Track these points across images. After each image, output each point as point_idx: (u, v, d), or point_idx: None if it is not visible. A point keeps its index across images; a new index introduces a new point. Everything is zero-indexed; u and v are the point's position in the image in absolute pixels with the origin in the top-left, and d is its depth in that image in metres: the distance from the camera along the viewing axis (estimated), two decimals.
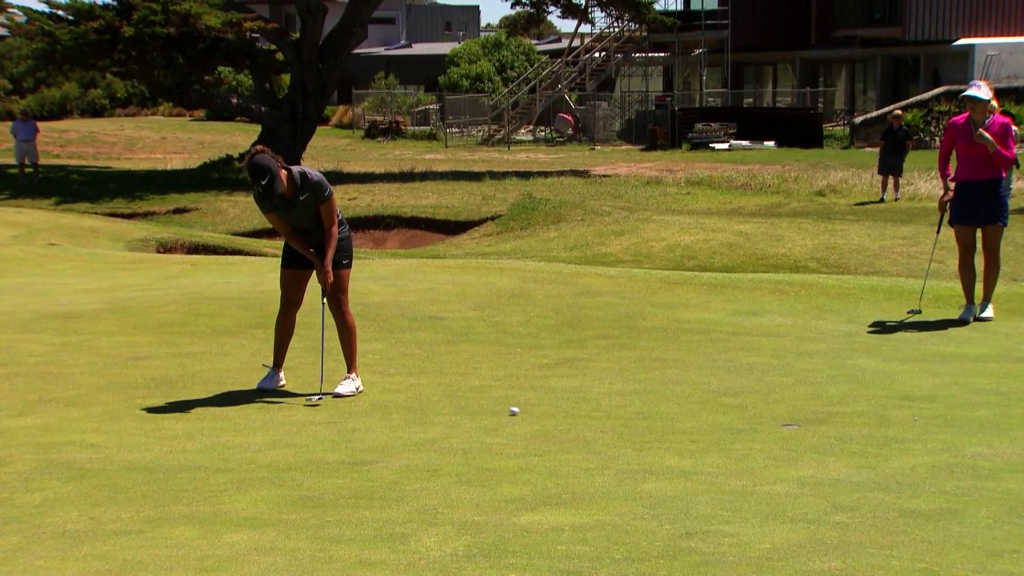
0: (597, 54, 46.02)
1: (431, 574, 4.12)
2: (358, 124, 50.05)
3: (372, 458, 5.75)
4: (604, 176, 30.68)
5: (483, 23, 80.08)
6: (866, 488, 5.08)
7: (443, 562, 4.22)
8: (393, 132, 47.30)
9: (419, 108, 50.52)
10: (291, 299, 7.38)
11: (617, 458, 5.67)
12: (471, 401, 7.07)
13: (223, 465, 5.61)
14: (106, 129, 49.90)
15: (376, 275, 12.05)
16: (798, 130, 38.64)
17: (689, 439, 6.06)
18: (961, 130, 9.81)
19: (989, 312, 9.77)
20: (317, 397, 7.09)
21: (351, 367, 7.30)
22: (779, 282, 11.54)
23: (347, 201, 25.22)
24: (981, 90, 9.71)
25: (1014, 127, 25.75)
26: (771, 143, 38.36)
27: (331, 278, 7.20)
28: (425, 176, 30.24)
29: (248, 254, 17.53)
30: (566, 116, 45.56)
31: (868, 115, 39.73)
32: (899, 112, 26.40)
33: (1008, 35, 42.57)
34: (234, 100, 35.63)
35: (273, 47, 34.34)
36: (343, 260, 7.29)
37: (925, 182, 25.50)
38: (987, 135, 9.59)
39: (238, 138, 43.83)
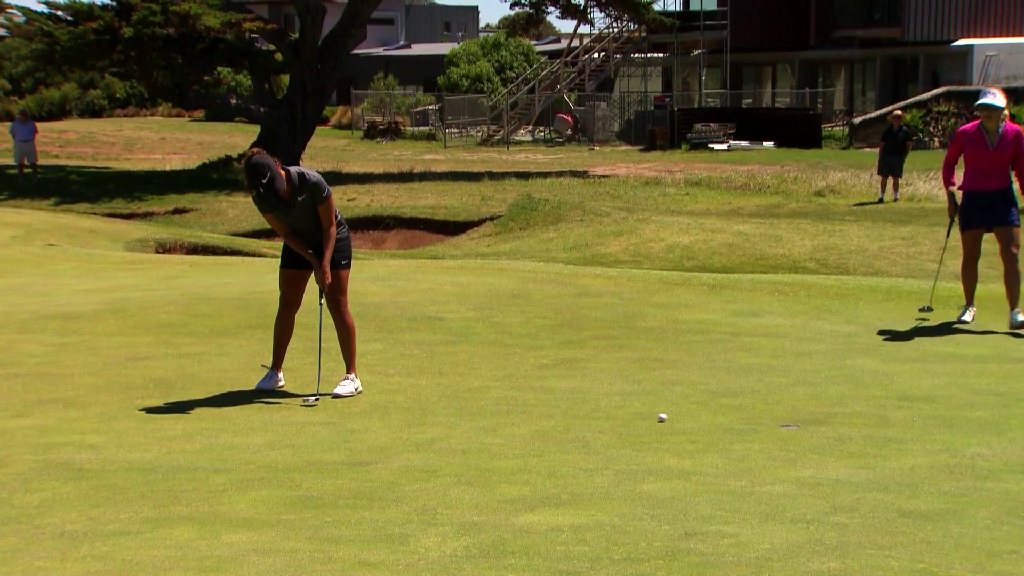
0: (596, 54, 46.03)
1: (430, 574, 4.12)
2: (357, 125, 50.05)
3: (371, 459, 5.75)
4: (603, 177, 30.68)
5: (482, 23, 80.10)
6: (865, 488, 5.09)
7: (442, 562, 4.22)
8: (392, 132, 47.30)
9: (418, 108, 50.53)
10: (290, 299, 7.39)
11: (616, 458, 5.68)
12: (470, 402, 7.07)
13: (222, 466, 5.61)
14: (105, 129, 49.90)
15: (375, 276, 12.04)
16: (797, 131, 38.65)
17: (688, 440, 6.06)
18: (971, 138, 9.69)
19: (1022, 316, 9.51)
20: (314, 398, 7.09)
21: (350, 368, 7.31)
22: (778, 283, 11.54)
23: (346, 202, 25.22)
24: (996, 98, 9.61)
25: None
26: (770, 143, 38.37)
27: (329, 278, 7.20)
28: (424, 176, 30.25)
29: (247, 255, 17.52)
30: (565, 116, 45.57)
31: (867, 116, 39.74)
32: (899, 113, 26.41)
33: (1007, 36, 42.59)
34: (233, 101, 35.63)
35: (272, 48, 34.34)
36: (342, 261, 7.29)
37: (924, 183, 25.51)
38: None
39: (237, 139, 43.82)
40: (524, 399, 7.10)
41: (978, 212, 9.71)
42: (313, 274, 7.27)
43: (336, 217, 7.26)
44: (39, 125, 31.98)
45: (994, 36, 42.36)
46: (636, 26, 44.77)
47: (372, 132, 47.46)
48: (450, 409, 6.87)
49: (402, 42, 64.52)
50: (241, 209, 25.23)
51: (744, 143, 38.45)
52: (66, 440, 6.13)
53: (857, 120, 39.80)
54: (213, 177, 31.01)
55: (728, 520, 4.65)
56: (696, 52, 46.57)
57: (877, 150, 25.66)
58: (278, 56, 33.86)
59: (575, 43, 47.79)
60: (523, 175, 30.18)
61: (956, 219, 9.95)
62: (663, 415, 6.54)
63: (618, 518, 4.70)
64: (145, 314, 9.67)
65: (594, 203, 22.84)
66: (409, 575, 4.13)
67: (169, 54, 30.74)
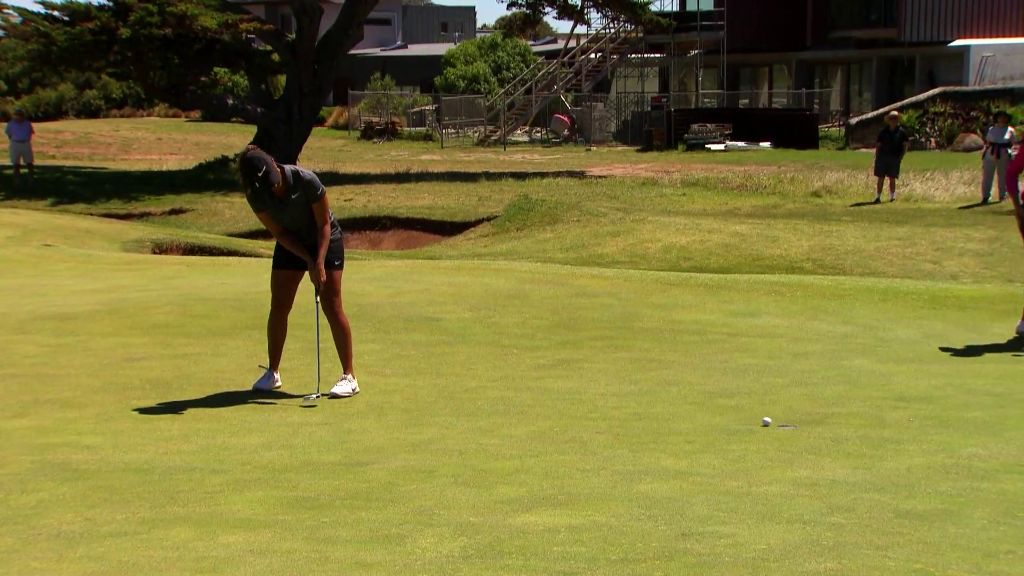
0: (593, 55, 46.03)
1: (427, 575, 4.12)
2: (354, 125, 50.03)
3: (368, 459, 5.75)
4: (600, 177, 30.69)
5: (479, 24, 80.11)
6: (862, 489, 5.09)
7: (439, 563, 4.22)
8: (389, 133, 47.29)
9: (415, 109, 50.51)
10: (282, 300, 7.37)
11: (613, 459, 5.68)
12: (467, 402, 7.06)
13: (219, 466, 5.61)
14: (102, 130, 49.86)
15: (372, 276, 12.04)
16: (794, 131, 38.67)
17: (685, 440, 6.06)
18: None
19: None
20: (314, 396, 7.09)
21: (347, 368, 7.30)
22: (775, 283, 11.55)
23: (343, 202, 25.20)
24: None
25: (1011, 128, 25.50)
26: (767, 144, 38.39)
27: (324, 276, 7.19)
28: (421, 177, 30.24)
29: (244, 255, 17.51)
30: (562, 117, 45.57)
31: (864, 116, 39.76)
32: (895, 113, 26.46)
33: (1003, 36, 42.62)
34: (230, 101, 35.60)
35: (269, 48, 34.32)
36: (335, 261, 7.27)
37: (920, 183, 25.54)
38: None
39: (234, 139, 43.79)
40: (521, 400, 7.10)
41: None
42: (308, 274, 7.27)
43: (330, 217, 7.24)
44: (35, 125, 31.94)
45: (990, 37, 42.40)
46: (633, 27, 44.78)
47: (369, 132, 47.45)
48: (447, 410, 6.87)
49: (399, 43, 64.51)
50: (237, 210, 25.21)
51: (741, 144, 38.46)
52: (62, 441, 6.12)
53: (854, 120, 39.82)
54: (210, 178, 30.98)
55: (725, 520, 4.65)
56: (693, 53, 46.58)
57: (874, 150, 25.69)
58: (275, 56, 33.85)
59: (572, 44, 47.78)
60: (520, 175, 30.18)
61: None
62: (767, 419, 6.37)
63: (615, 518, 4.70)
64: (142, 315, 9.66)
65: (591, 204, 22.84)
66: None
67: (166, 55, 30.71)
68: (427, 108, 49.90)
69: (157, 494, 5.14)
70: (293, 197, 7.09)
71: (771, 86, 48.44)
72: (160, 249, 18.60)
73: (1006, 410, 6.70)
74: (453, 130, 46.90)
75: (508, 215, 22.02)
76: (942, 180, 26.01)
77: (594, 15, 44.81)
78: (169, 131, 50.42)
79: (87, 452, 5.89)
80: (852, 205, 23.89)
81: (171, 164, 36.06)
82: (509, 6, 41.12)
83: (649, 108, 43.96)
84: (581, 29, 46.75)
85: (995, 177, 23.31)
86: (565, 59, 46.31)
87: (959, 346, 8.84)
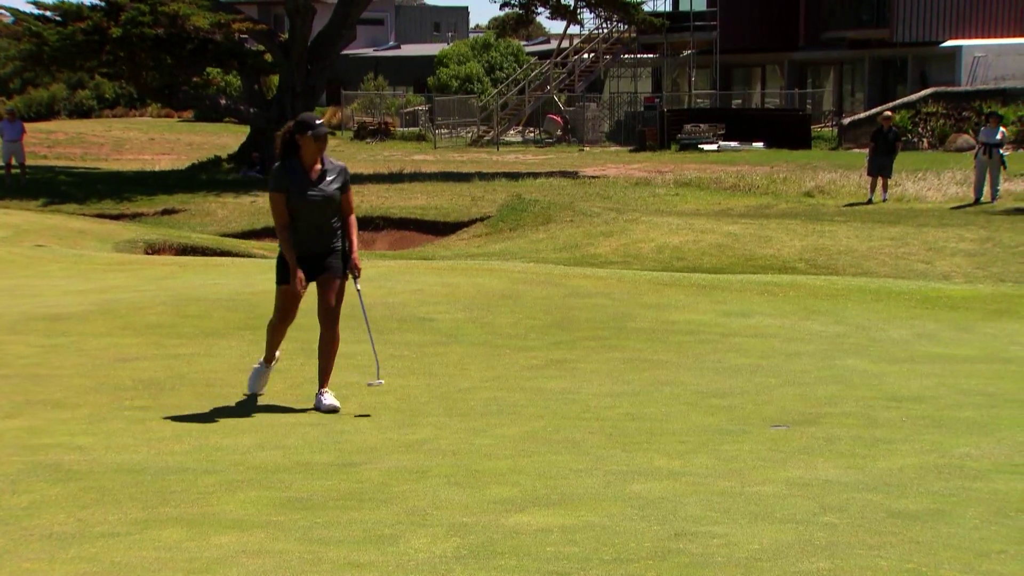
0: (586, 55, 46.04)
1: (420, 575, 4.12)
2: (347, 125, 50.01)
3: (361, 459, 5.74)
4: (593, 177, 30.70)
5: (472, 24, 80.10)
6: (854, 489, 5.10)
7: (432, 563, 4.22)
8: (382, 133, 47.27)
9: (408, 109, 50.49)
10: (290, 315, 6.95)
11: (606, 459, 5.68)
12: (460, 402, 7.06)
13: (211, 467, 5.60)
14: (94, 130, 49.77)
15: (365, 276, 11.96)
16: (787, 131, 38.72)
17: (678, 440, 6.06)
18: None
19: None
20: (380, 382, 6.96)
21: (326, 382, 6.96)
22: (768, 283, 11.56)
23: None
24: None
25: (1002, 128, 25.66)
26: (760, 144, 38.43)
27: (360, 264, 6.90)
28: (414, 177, 30.23)
29: (237, 255, 17.49)
30: (555, 117, 45.58)
31: (856, 116, 39.81)
32: (889, 113, 26.54)
33: (995, 36, 42.73)
34: (223, 101, 35.55)
35: (262, 48, 34.29)
36: (345, 269, 6.93)
37: (912, 183, 25.59)
38: None
39: (227, 139, 43.73)
40: (514, 400, 7.10)
41: None
42: (313, 285, 6.88)
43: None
44: (27, 125, 31.87)
45: (982, 37, 42.49)
46: (626, 27, 44.80)
47: (362, 133, 47.42)
48: (440, 410, 6.86)
49: (392, 43, 64.48)
50: (231, 210, 25.18)
51: (734, 144, 38.50)
52: (54, 441, 6.10)
53: (846, 121, 39.88)
54: (202, 178, 30.94)
55: (718, 520, 4.66)
56: (686, 53, 46.62)
57: (866, 151, 25.76)
58: (268, 57, 33.82)
59: (565, 44, 47.80)
60: (513, 176, 30.18)
61: None
62: (781, 426, 6.32)
63: (608, 519, 4.70)
64: (134, 315, 9.64)
65: (584, 204, 22.85)
66: None
67: (158, 54, 30.67)
68: (420, 108, 49.88)
69: (149, 495, 5.13)
70: (329, 179, 6.72)
71: (764, 86, 48.49)
72: (153, 249, 18.57)
73: (998, 410, 6.72)
74: (446, 130, 46.89)
75: (501, 215, 22.02)
76: (934, 180, 26.07)
77: (587, 15, 44.90)
78: (162, 131, 50.35)
79: (79, 453, 5.88)
80: (845, 205, 23.93)
81: (164, 164, 36.01)
82: (502, 6, 41.16)
83: (642, 108, 43.97)
84: (574, 29, 46.81)
85: (987, 177, 23.38)
86: (558, 59, 46.33)
87: (951, 346, 8.86)
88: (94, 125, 52.77)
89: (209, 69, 35.47)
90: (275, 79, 37.28)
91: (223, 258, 16.25)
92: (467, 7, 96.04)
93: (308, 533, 4.59)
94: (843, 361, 8.23)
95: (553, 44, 52.35)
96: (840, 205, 24.01)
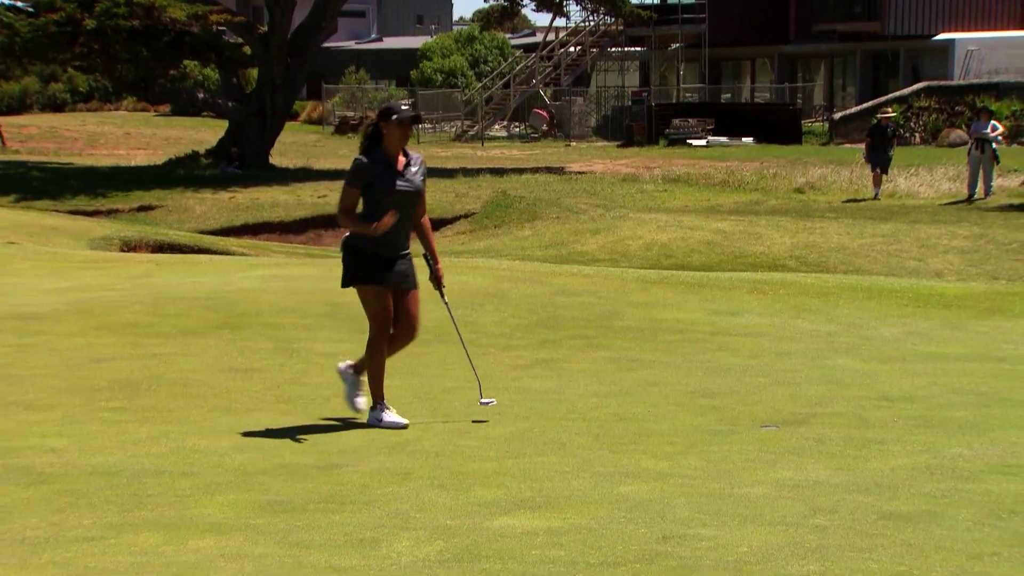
0: (572, 48, 46.05)
1: None
2: (328, 120, 49.92)
3: (342, 461, 5.73)
4: (580, 173, 30.72)
5: (456, 16, 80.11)
6: (845, 490, 5.12)
7: (415, 567, 4.22)
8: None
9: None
10: (390, 316, 6.41)
11: (592, 461, 5.69)
12: (444, 403, 7.06)
13: (189, 469, 5.59)
14: (68, 124, 49.55)
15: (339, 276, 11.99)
16: (777, 126, 38.83)
17: (666, 441, 6.08)
18: None
19: None
20: (492, 401, 6.61)
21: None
22: (757, 281, 11.59)
23: (317, 199, 25.15)
24: None
25: (995, 122, 25.78)
26: (749, 139, 38.52)
27: (443, 272, 6.63)
28: None
29: (215, 253, 17.44)
30: (541, 112, 45.58)
31: (848, 111, 39.93)
32: (889, 111, 26.88)
33: (988, 30, 42.90)
34: (200, 95, 35.46)
35: (240, 41, 34.19)
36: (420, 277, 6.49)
37: (904, 179, 25.69)
38: None
39: (204, 134, 43.60)
40: (499, 400, 7.10)
41: None
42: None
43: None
44: None
45: (975, 30, 42.66)
46: (613, 19, 44.82)
47: (343, 128, 47.36)
48: (423, 410, 6.86)
49: (374, 35, 64.36)
50: (209, 206, 25.12)
51: (723, 139, 38.58)
52: (27, 444, 6.08)
53: (837, 115, 39.99)
54: (179, 173, 30.84)
55: (706, 523, 4.67)
56: (674, 46, 46.67)
57: (861, 146, 25.97)
58: (246, 49, 33.72)
59: (551, 37, 47.79)
60: (498, 172, 30.17)
61: None
62: (771, 426, 6.27)
63: (595, 521, 4.71)
64: (109, 314, 9.61)
65: (571, 200, 22.86)
66: None
67: (134, 47, 30.55)
68: (403, 103, 49.80)
69: (125, 498, 5.11)
70: (414, 170, 6.36)
71: (753, 80, 48.59)
72: (128, 247, 18.50)
73: (991, 409, 6.75)
74: (429, 125, 46.86)
75: (486, 212, 22.02)
76: (927, 176, 26.18)
77: (573, 7, 44.92)
78: (137, 126, 50.16)
79: (53, 455, 5.85)
80: (846, 201, 24.02)
81: (140, 159, 35.88)
82: None
83: (629, 103, 44.04)
84: (560, 22, 46.79)
85: (980, 173, 23.49)
86: (544, 52, 46.32)
87: (944, 344, 8.90)
88: (68, 119, 52.54)
89: (186, 62, 35.34)
90: (254, 72, 37.18)
91: (201, 256, 16.20)
92: None
93: (288, 537, 4.58)
94: (834, 360, 8.26)
95: (539, 37, 52.33)
96: (840, 202, 24.08)
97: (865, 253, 16.93)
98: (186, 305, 9.93)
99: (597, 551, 4.35)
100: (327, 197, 25.39)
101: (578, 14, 46.22)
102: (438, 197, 25.14)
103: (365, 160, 6.37)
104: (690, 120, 39.87)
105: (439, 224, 22.53)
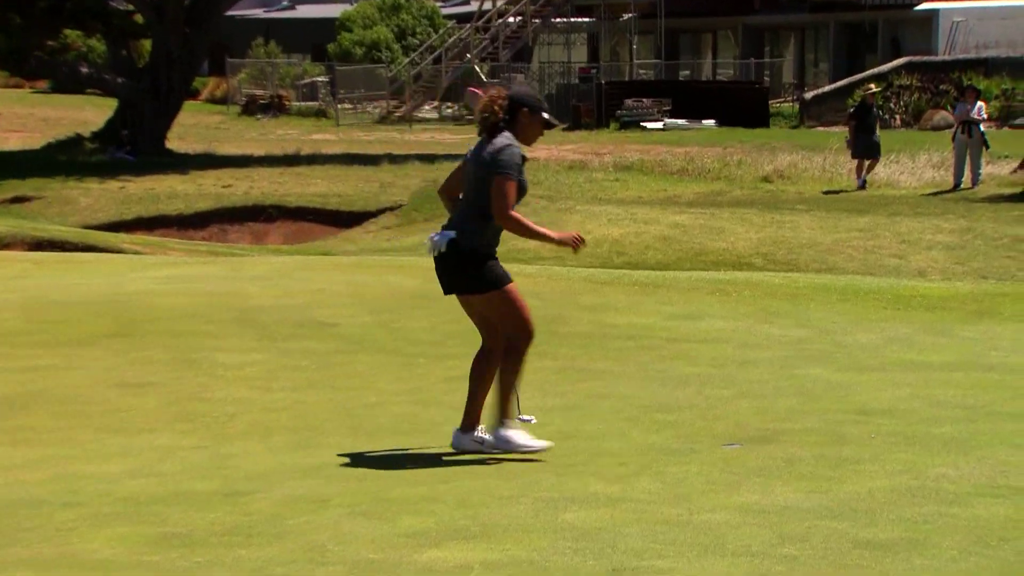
0: (512, 19, 46.12)
1: None
2: (233, 99, 49.56)
3: (250, 488, 5.71)
4: None
5: None
6: (817, 516, 5.17)
7: None
8: (275, 108, 46.92)
9: (305, 81, 50.16)
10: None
11: (535, 484, 5.71)
12: (367, 420, 7.05)
13: (72, 499, 5.53)
14: None
15: (256, 274, 11.94)
16: (741, 107, 39.16)
17: (617, 462, 6.11)
18: None
19: None
20: (532, 419, 6.40)
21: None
22: (720, 281, 11.70)
23: (221, 188, 24.97)
24: None
25: (981, 103, 25.96)
26: (711, 122, 38.83)
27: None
28: (313, 160, 30.06)
29: (103, 251, 17.25)
30: (477, 91, 45.47)
31: (820, 90, 40.40)
32: (872, 87, 27.00)
33: None
34: (84, 70, 35.04)
35: (131, 8, 33.85)
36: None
37: (884, 167, 26.00)
38: None
39: (89, 114, 43.05)
40: (430, 416, 7.10)
41: None
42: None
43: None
44: None
45: (961, 0, 43.30)
46: None
47: (251, 108, 47.04)
48: (343, 429, 6.85)
49: (285, 3, 63.97)
50: (95, 198, 24.84)
51: (681, 121, 38.85)
52: None
53: (809, 95, 40.44)
54: (61, 159, 30.44)
55: (662, 553, 4.70)
56: (626, 17, 46.87)
57: (835, 129, 26.20)
58: (138, 18, 33.39)
59: (487, 6, 47.84)
60: (429, 158, 30.15)
61: None
62: (734, 444, 6.29)
63: (537, 553, 4.72)
64: None
65: None
66: None
67: (5, 14, 30.12)
68: (319, 80, 49.58)
69: None
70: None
71: (715, 56, 48.99)
72: (1, 244, 18.25)
73: (978, 425, 6.86)
74: (350, 105, 46.66)
75: (415, 204, 22.00)
76: (908, 163, 26.52)
77: None
78: (10, 104, 49.41)
79: None
80: (825, 192, 24.22)
81: (13, 143, 35.35)
82: None
83: (576, 80, 44.17)
84: None
85: (967, 159, 23.77)
86: (480, 24, 46.33)
87: (926, 352, 9.03)
88: None
89: (67, 31, 34.90)
90: (147, 44, 36.80)
91: (87, 254, 16.02)
92: None
93: (187, 574, 4.55)
94: (805, 370, 8.35)
95: (474, 6, 52.29)
96: (812, 192, 24.33)
97: (840, 250, 17.15)
98: (69, 310, 9.81)
99: None
100: (232, 187, 25.22)
101: None
102: (360, 187, 25.09)
103: (517, 151, 6.26)
104: (644, 100, 40.10)
105: (362, 218, 22.50)
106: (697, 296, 10.90)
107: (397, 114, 45.12)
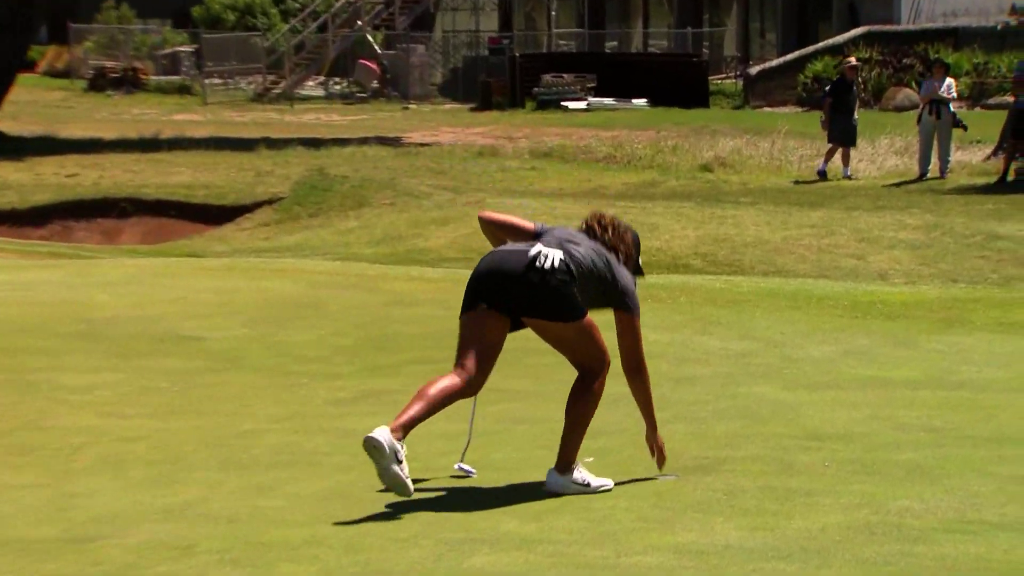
0: None
1: None
2: (79, 72, 48.95)
3: (99, 532, 5.64)
4: (422, 145, 30.75)
5: None
6: (763, 557, 5.22)
7: None
8: (129, 83, 46.43)
9: (166, 51, 49.70)
10: None
11: (438, 523, 5.70)
12: (239, 451, 7.00)
13: None
14: None
15: (107, 280, 11.79)
16: (677, 84, 39.38)
17: (534, 496, 6.12)
18: None
19: None
20: (470, 471, 6.54)
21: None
22: (652, 286, 11.75)
23: (64, 178, 24.62)
24: None
25: (950, 79, 26.15)
26: (642, 101, 39.06)
27: None
28: (176, 144, 29.78)
29: None
30: (369, 64, 45.49)
31: (767, 64, 40.78)
32: (853, 60, 27.08)
33: None
34: None
35: None
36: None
37: (839, 154, 26.24)
38: None
39: None
40: (314, 446, 7.06)
41: None
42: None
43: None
44: None
45: None
46: None
47: (100, 82, 46.50)
48: (211, 462, 6.79)
49: None
50: None
51: (608, 100, 39.04)
52: None
53: (754, 71, 40.81)
54: None
55: None
56: None
57: (783, 110, 26.40)
58: None
59: None
60: (313, 143, 30.01)
61: None
62: (668, 475, 6.40)
63: None
64: None
65: (410, 181, 22.86)
66: None
67: None
68: (183, 50, 49.15)
69: None
70: None
71: (647, 25, 49.26)
72: None
73: (945, 450, 6.95)
74: (220, 80, 46.34)
75: (297, 197, 21.88)
76: (867, 149, 26.77)
77: None
78: None
79: None
80: (795, 183, 24.28)
81: None
82: None
83: (486, 52, 44.23)
84: None
85: (935, 144, 24.02)
86: None
87: (888, 367, 9.14)
88: None
89: None
90: None
91: None
92: None
93: None
94: (749, 388, 8.42)
95: None
96: (757, 183, 24.51)
97: (790, 249, 17.31)
98: None
99: None
100: (78, 176, 24.87)
101: None
102: (232, 176, 24.89)
103: None
104: (565, 76, 40.23)
105: (234, 213, 22.31)
106: None
107: (275, 91, 44.85)
